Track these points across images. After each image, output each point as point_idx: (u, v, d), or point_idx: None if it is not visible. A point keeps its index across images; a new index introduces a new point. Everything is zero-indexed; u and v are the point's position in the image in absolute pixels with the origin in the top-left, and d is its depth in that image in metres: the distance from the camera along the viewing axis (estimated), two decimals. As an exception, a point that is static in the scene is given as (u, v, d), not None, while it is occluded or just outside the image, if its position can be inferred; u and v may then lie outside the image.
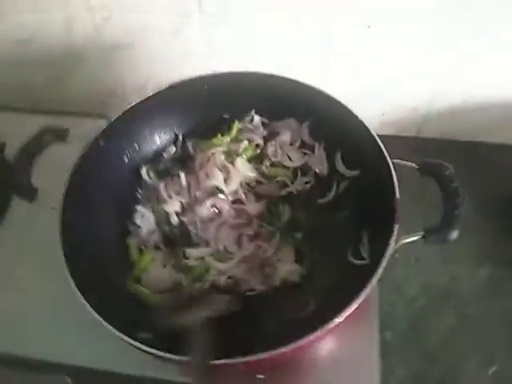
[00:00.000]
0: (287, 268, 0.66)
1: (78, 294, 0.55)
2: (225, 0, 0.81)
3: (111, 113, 1.04)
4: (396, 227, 0.56)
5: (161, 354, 0.51)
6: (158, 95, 0.74)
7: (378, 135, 0.67)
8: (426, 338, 0.74)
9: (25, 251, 0.78)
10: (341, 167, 0.75)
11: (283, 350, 0.49)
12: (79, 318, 0.63)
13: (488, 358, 0.72)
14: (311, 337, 0.49)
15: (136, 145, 0.77)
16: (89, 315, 0.54)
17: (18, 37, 0.96)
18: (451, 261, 0.81)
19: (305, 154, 0.79)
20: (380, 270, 0.53)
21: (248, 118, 0.81)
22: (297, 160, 0.78)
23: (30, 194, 0.63)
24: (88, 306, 0.54)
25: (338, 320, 0.50)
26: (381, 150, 0.62)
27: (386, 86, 0.91)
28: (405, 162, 0.61)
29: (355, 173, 0.73)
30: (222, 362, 0.50)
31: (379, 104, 0.96)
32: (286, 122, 0.79)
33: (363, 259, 0.64)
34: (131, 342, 0.52)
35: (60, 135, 0.67)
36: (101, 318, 0.53)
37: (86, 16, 0.90)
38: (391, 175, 0.60)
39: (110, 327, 0.53)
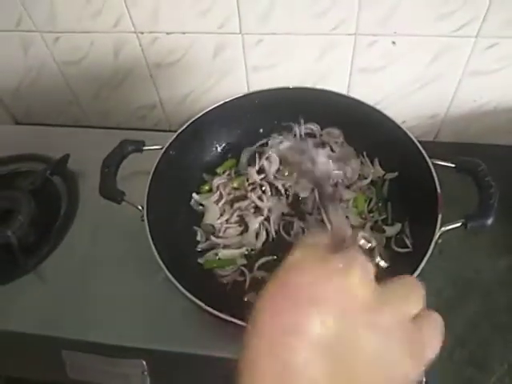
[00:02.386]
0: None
1: (172, 278, 0.64)
2: (263, 22, 0.89)
3: (150, 125, 1.18)
4: (440, 216, 0.65)
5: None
6: (216, 110, 0.84)
7: None
8: (453, 324, 0.80)
9: (110, 244, 0.86)
10: (380, 171, 0.85)
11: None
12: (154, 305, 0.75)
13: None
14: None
15: (199, 152, 0.87)
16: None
17: (71, 58, 1.05)
18: (473, 252, 0.88)
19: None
20: (428, 254, 0.62)
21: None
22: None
23: (118, 196, 0.71)
24: (183, 289, 0.63)
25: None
26: (421, 152, 0.72)
27: (406, 95, 0.99)
28: (442, 162, 0.71)
29: (394, 174, 0.83)
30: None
31: (400, 113, 1.03)
32: (329, 130, 0.89)
33: (407, 247, 0.73)
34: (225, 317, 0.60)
35: (138, 147, 0.76)
36: (194, 298, 0.62)
37: (133, 39, 0.99)
38: (431, 173, 0.70)
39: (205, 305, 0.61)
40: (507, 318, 0.82)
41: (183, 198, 0.85)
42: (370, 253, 0.34)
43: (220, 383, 0.70)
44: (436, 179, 0.68)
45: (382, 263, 0.35)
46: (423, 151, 0.72)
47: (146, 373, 0.76)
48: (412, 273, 0.60)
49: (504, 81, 0.92)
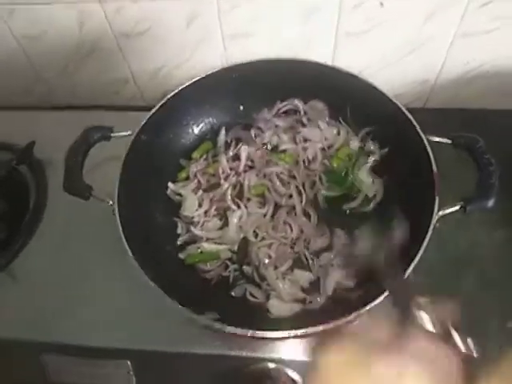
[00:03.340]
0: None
1: (150, 282, 0.59)
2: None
3: (124, 101, 1.10)
4: (437, 200, 0.60)
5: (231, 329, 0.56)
6: (191, 87, 0.77)
7: None
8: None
9: (83, 237, 0.81)
10: (372, 145, 0.78)
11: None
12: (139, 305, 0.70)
13: (508, 314, 0.77)
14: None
15: (174, 136, 0.80)
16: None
17: (29, 32, 0.95)
18: (469, 226, 0.84)
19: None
20: (426, 242, 0.58)
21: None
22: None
23: (85, 192, 0.65)
24: (161, 291, 0.58)
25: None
26: (414, 127, 0.66)
27: (396, 60, 0.94)
28: (438, 138, 0.65)
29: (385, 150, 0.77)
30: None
31: (389, 79, 0.98)
32: (312, 103, 0.83)
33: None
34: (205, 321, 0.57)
35: (104, 134, 0.68)
36: (175, 301, 0.58)
37: (97, 8, 0.90)
38: (426, 151, 0.64)
39: (185, 309, 0.58)
40: (503, 292, 0.79)
41: (160, 188, 0.79)
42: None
43: (205, 379, 0.71)
44: (432, 157, 0.63)
45: None
46: (417, 126, 0.66)
47: (131, 372, 0.72)
48: (409, 262, 0.56)
49: (497, 42, 0.87)
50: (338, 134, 0.82)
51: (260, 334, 0.55)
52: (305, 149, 0.81)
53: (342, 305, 0.62)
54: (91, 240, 0.80)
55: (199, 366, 0.71)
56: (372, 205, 0.75)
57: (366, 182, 0.74)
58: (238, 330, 0.56)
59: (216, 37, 0.93)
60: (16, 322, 0.74)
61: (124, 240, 0.62)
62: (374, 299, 0.53)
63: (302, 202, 0.76)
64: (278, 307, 0.67)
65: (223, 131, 0.83)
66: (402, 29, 0.87)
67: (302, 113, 0.84)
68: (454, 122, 0.99)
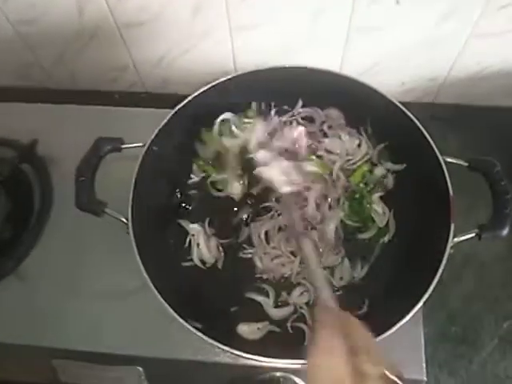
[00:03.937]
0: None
1: (159, 297, 0.60)
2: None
3: (124, 87, 1.06)
4: (452, 226, 0.60)
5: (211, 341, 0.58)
6: (201, 95, 0.75)
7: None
8: (447, 300, 0.81)
9: (92, 238, 0.80)
10: (386, 162, 0.78)
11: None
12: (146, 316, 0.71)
13: (504, 314, 0.81)
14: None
15: (186, 145, 0.79)
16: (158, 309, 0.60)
17: (25, 17, 0.90)
18: None
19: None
20: (441, 269, 0.58)
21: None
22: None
23: (99, 209, 0.64)
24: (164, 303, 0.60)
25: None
26: (433, 148, 0.65)
27: (406, 58, 0.92)
28: (454, 160, 0.65)
29: (401, 167, 0.76)
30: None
31: (400, 74, 0.97)
32: (328, 112, 0.81)
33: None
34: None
35: (115, 146, 0.66)
36: (173, 312, 0.60)
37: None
38: (443, 172, 0.64)
39: (178, 316, 0.60)
40: (500, 292, 0.82)
41: (172, 198, 0.78)
42: None
43: None
44: (448, 180, 0.62)
45: None
46: (434, 146, 0.65)
47: (143, 377, 0.74)
48: (423, 293, 0.57)
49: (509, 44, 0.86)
50: (359, 146, 0.80)
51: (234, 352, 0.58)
52: (333, 162, 0.80)
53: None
54: (100, 240, 0.79)
55: (209, 374, 0.73)
56: (386, 238, 0.75)
57: (378, 211, 0.73)
58: (218, 344, 0.58)
59: (223, 28, 0.89)
60: (26, 328, 0.74)
61: (138, 259, 0.61)
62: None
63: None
64: (248, 331, 0.70)
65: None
66: (416, 27, 0.85)
67: (321, 120, 0.83)
68: (460, 115, 1.00)
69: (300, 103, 0.83)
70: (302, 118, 0.84)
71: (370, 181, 0.78)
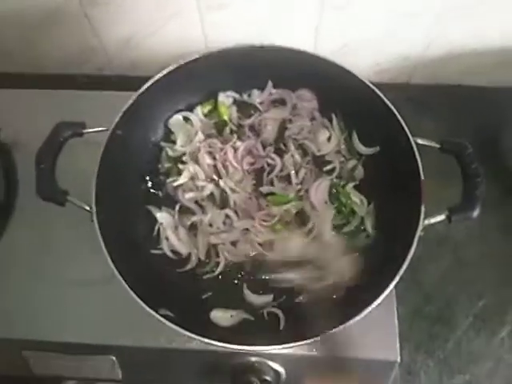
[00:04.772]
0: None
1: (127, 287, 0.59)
2: None
3: (92, 70, 1.03)
4: (423, 209, 0.60)
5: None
6: (164, 78, 0.72)
7: (372, 83, 0.69)
8: (422, 280, 0.82)
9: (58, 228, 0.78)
10: (359, 146, 0.76)
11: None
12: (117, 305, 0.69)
13: (478, 294, 0.82)
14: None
15: (150, 128, 0.76)
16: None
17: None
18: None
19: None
20: (412, 251, 0.58)
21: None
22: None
23: (61, 197, 0.61)
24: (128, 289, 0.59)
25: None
26: (404, 130, 0.64)
27: (381, 37, 0.91)
28: (426, 142, 0.64)
29: (374, 150, 0.75)
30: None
31: (375, 55, 0.96)
32: (300, 92, 0.79)
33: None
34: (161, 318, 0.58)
35: (76, 131, 0.64)
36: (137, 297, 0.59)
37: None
38: (414, 155, 0.63)
39: (145, 305, 0.59)
40: (473, 272, 0.83)
41: (138, 184, 0.75)
42: None
43: (190, 373, 0.74)
44: (419, 162, 0.61)
45: None
46: (406, 128, 0.64)
47: (116, 366, 0.73)
48: (394, 275, 0.56)
49: (484, 21, 0.86)
50: (329, 140, 0.78)
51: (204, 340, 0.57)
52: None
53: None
54: (67, 229, 0.77)
55: (184, 360, 0.72)
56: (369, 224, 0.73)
57: (356, 201, 0.72)
58: (185, 332, 0.57)
59: (192, 8, 0.87)
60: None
61: (103, 248, 0.60)
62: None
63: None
64: (221, 317, 0.69)
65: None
66: (389, 4, 0.84)
67: (293, 103, 0.80)
68: (432, 95, 0.99)
69: (270, 85, 0.80)
70: (273, 101, 0.81)
71: (343, 174, 0.77)
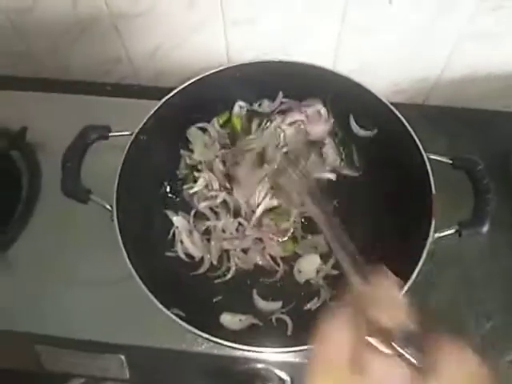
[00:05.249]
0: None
1: (145, 288, 0.60)
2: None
3: (117, 79, 1.07)
4: (433, 222, 0.61)
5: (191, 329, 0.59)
6: (187, 89, 0.75)
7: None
8: (430, 299, 0.81)
9: (79, 227, 0.80)
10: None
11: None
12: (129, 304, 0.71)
13: (486, 314, 0.81)
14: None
15: (171, 135, 0.79)
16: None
17: (19, 5, 0.90)
18: None
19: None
20: (421, 264, 0.59)
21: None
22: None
23: (84, 195, 0.64)
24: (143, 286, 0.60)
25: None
26: (417, 145, 0.66)
27: (398, 57, 0.93)
28: (438, 157, 0.65)
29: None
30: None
31: (392, 75, 0.98)
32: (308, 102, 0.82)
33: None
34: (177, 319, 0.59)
35: (102, 134, 0.67)
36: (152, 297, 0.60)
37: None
38: (426, 170, 0.64)
39: (158, 303, 0.60)
40: (482, 291, 0.83)
41: (159, 188, 0.78)
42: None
43: (197, 376, 0.75)
44: (431, 178, 0.63)
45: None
46: (419, 142, 0.66)
47: (125, 365, 0.74)
48: (404, 284, 0.58)
49: (502, 46, 0.87)
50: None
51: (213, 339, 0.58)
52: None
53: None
54: (87, 228, 0.79)
55: (191, 364, 0.73)
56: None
57: None
58: (195, 331, 0.59)
59: (217, 22, 0.90)
60: (10, 313, 0.75)
61: (122, 246, 0.62)
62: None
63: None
64: (230, 321, 0.70)
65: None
66: (408, 27, 0.86)
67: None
68: (450, 117, 1.01)
69: (281, 95, 0.83)
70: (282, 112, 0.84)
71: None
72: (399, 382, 0.29)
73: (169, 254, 0.75)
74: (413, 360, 0.30)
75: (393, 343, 0.31)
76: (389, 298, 0.35)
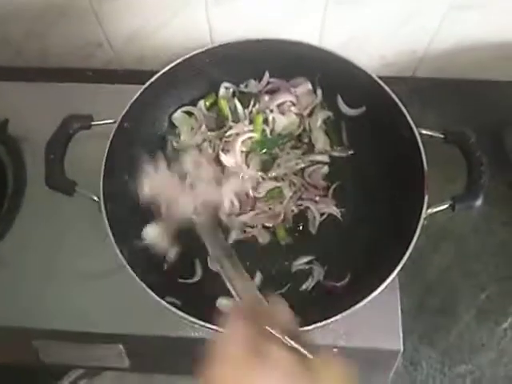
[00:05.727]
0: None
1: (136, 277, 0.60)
2: None
3: (99, 65, 1.04)
4: (426, 198, 0.60)
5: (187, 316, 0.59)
6: (169, 73, 0.73)
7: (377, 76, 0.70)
8: (425, 272, 0.82)
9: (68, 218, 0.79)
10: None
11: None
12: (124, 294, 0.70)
13: (481, 286, 0.82)
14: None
15: (158, 120, 0.77)
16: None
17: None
18: None
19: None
20: (415, 240, 0.59)
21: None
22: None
23: (69, 188, 0.63)
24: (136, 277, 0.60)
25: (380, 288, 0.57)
26: (408, 120, 0.65)
27: (386, 30, 0.91)
28: (430, 132, 0.64)
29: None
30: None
31: (380, 48, 0.96)
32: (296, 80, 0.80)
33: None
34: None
35: (84, 124, 0.65)
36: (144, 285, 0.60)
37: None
38: (418, 146, 0.63)
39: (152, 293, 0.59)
40: (477, 264, 0.84)
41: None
42: None
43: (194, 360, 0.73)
44: (423, 154, 0.62)
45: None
46: (409, 118, 0.65)
47: (123, 354, 0.74)
48: (398, 262, 0.57)
49: (490, 17, 0.86)
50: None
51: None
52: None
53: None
54: (75, 219, 0.78)
55: (189, 350, 0.72)
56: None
57: None
58: (190, 318, 0.59)
59: (198, 1, 0.87)
60: (5, 309, 0.74)
61: (111, 236, 0.61)
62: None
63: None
64: (226, 305, 0.69)
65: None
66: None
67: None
68: (437, 89, 1.00)
69: (267, 75, 0.81)
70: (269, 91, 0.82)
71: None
72: (289, 362, 0.36)
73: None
74: (302, 350, 0.37)
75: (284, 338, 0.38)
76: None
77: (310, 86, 0.81)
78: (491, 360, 0.77)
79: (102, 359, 0.76)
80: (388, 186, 0.71)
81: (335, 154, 0.80)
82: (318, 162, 0.78)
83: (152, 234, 0.67)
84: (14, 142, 0.84)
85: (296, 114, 0.80)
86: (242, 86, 0.84)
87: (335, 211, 0.75)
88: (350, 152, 0.79)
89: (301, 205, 0.76)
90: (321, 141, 0.79)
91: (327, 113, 0.81)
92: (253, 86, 0.84)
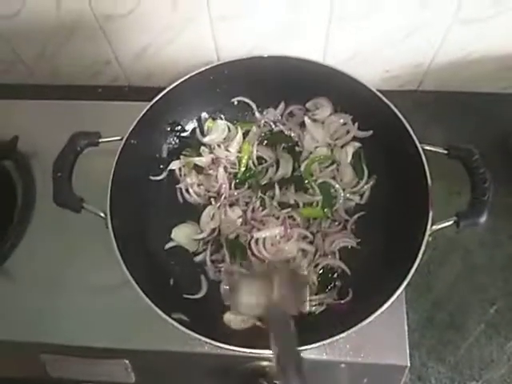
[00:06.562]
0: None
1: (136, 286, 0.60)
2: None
3: (107, 81, 1.06)
4: (431, 214, 0.60)
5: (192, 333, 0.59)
6: (177, 88, 0.74)
7: (380, 90, 0.71)
8: (433, 286, 0.82)
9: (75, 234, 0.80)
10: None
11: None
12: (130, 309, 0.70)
13: (490, 300, 0.81)
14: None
15: (162, 137, 0.78)
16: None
17: (4, 12, 0.89)
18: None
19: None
20: (420, 256, 0.58)
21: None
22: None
23: (77, 205, 0.64)
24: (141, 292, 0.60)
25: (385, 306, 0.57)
26: (412, 137, 0.65)
27: (390, 44, 0.91)
28: (433, 148, 0.64)
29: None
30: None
31: (384, 62, 0.97)
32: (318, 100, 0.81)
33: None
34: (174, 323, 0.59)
35: (92, 141, 0.66)
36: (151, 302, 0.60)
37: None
38: (422, 162, 0.63)
39: (158, 310, 0.60)
40: (485, 278, 0.83)
41: (152, 190, 0.77)
42: None
43: (202, 376, 0.75)
44: (427, 171, 0.62)
45: None
46: (413, 134, 0.65)
47: (130, 370, 0.74)
48: (403, 279, 0.57)
49: (494, 29, 0.86)
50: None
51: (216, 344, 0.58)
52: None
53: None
54: (84, 235, 0.79)
55: (196, 364, 0.73)
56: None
57: None
58: (196, 335, 0.58)
59: (203, 19, 0.88)
60: (13, 324, 0.75)
61: (118, 253, 0.61)
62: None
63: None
64: (233, 321, 0.69)
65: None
66: (399, 14, 0.84)
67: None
68: (443, 101, 1.00)
69: (282, 105, 0.82)
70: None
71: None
72: None
73: (167, 246, 0.75)
74: None
75: None
76: None
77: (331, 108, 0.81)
78: (501, 376, 0.76)
79: (109, 374, 0.76)
80: (392, 201, 0.71)
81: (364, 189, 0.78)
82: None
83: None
84: (23, 158, 0.85)
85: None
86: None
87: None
88: (374, 180, 0.78)
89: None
90: (349, 177, 0.78)
91: (356, 144, 0.80)
92: (271, 114, 0.85)
